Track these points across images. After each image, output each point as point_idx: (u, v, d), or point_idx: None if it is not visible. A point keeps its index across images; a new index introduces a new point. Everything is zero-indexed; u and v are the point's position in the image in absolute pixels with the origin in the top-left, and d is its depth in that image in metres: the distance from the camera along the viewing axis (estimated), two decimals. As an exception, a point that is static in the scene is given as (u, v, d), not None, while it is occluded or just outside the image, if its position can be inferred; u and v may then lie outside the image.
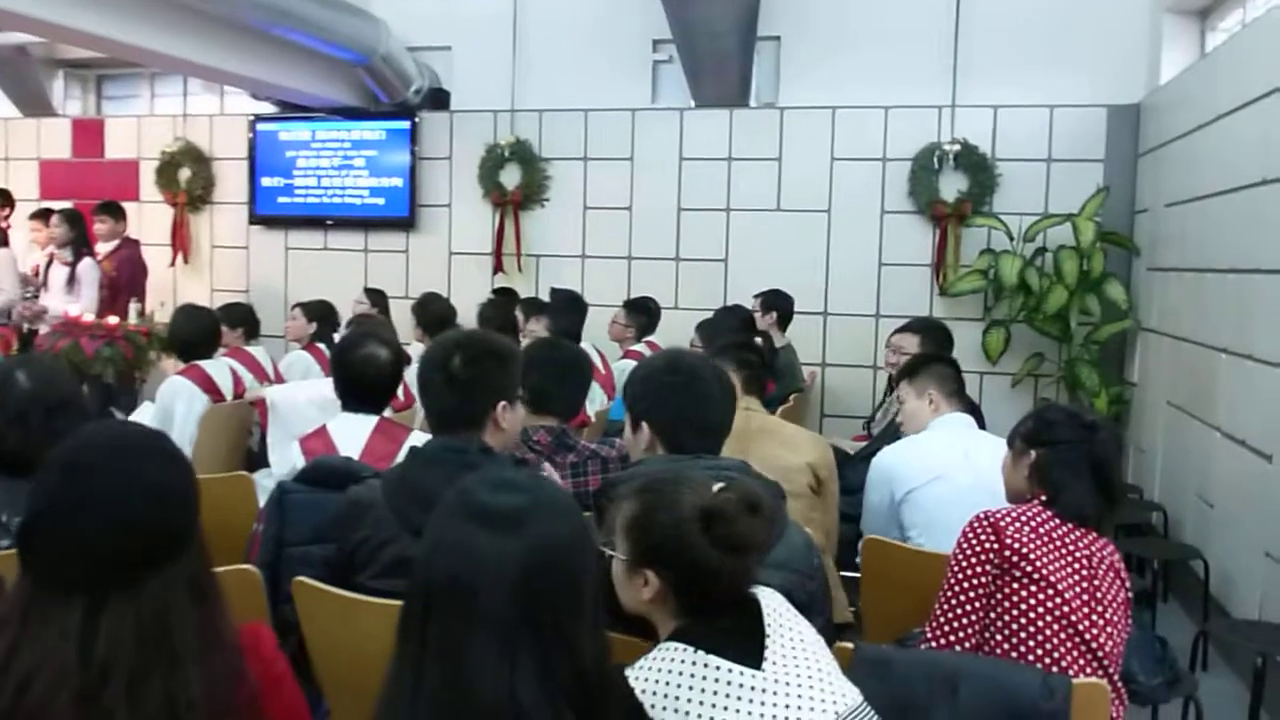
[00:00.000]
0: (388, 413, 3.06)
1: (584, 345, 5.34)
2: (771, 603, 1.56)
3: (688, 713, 1.41)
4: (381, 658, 1.35)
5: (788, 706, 1.43)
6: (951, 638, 2.19)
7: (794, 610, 1.60)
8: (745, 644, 1.49)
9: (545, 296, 6.27)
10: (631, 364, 5.12)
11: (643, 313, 6.11)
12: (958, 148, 6.47)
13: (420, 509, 1.94)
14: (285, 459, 2.92)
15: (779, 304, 6.12)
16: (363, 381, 2.95)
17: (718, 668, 1.44)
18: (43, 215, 6.87)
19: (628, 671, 1.46)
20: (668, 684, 1.43)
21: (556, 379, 2.90)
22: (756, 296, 6.16)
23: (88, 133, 8.38)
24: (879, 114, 6.66)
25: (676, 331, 6.05)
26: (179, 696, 1.30)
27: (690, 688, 1.43)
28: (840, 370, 6.81)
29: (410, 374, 4.34)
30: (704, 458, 2.10)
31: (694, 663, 1.44)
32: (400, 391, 3.54)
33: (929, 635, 2.23)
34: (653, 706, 1.42)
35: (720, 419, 2.21)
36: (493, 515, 1.31)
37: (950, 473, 2.93)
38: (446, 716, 1.25)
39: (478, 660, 1.24)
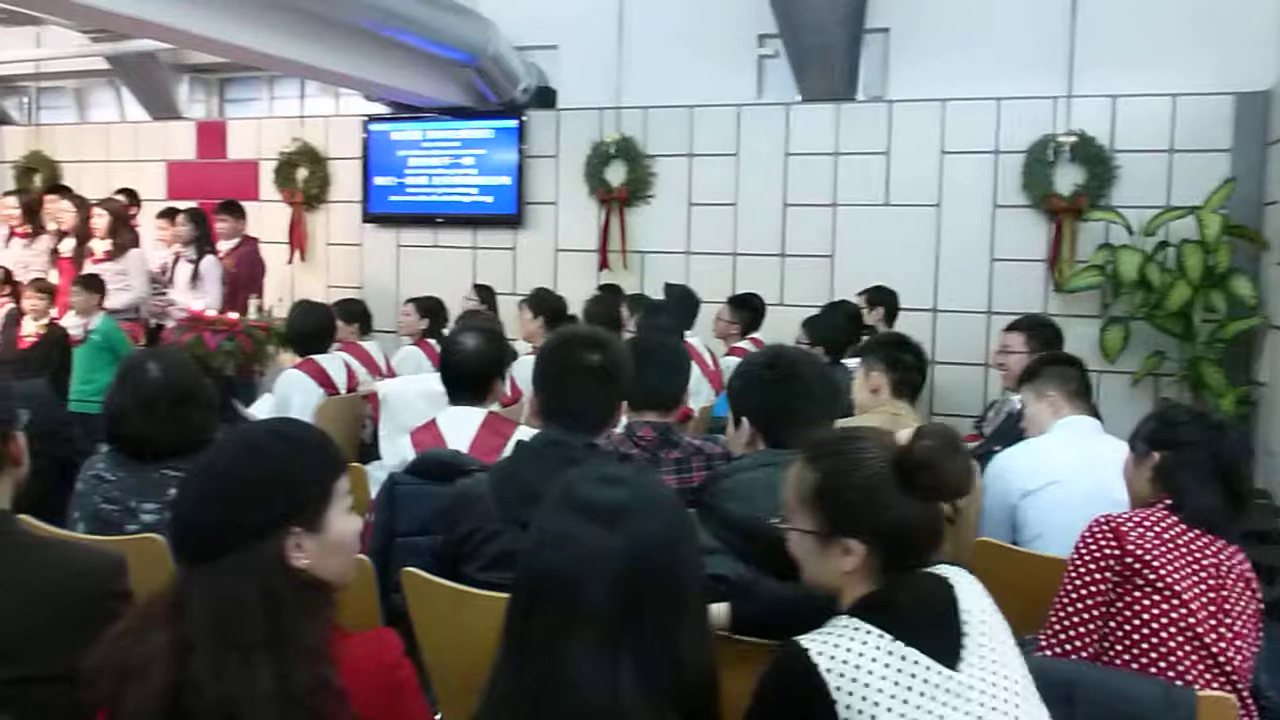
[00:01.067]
0: (495, 407, 3.09)
1: (692, 340, 5.34)
2: (967, 590, 1.48)
3: (876, 702, 1.35)
4: (487, 649, 1.36)
5: (980, 718, 1.37)
6: (1068, 646, 2.11)
7: (989, 600, 1.51)
8: (940, 635, 1.42)
9: (650, 293, 6.27)
10: (736, 360, 5.10)
11: (747, 309, 6.07)
12: (1074, 139, 6.26)
13: (525, 503, 1.96)
14: (396, 451, 2.98)
15: (885, 300, 6.01)
16: (458, 370, 2.99)
17: (915, 662, 1.38)
18: (169, 214, 7.13)
19: (805, 640, 1.41)
20: (857, 666, 1.38)
21: (652, 373, 2.87)
22: (862, 293, 6.06)
23: (211, 135, 8.68)
24: (991, 106, 6.49)
25: (782, 328, 5.99)
26: (248, 688, 1.31)
27: (883, 677, 1.37)
28: (950, 368, 6.66)
29: (517, 369, 4.40)
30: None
31: (890, 652, 1.38)
32: (508, 386, 3.57)
33: (1044, 643, 2.16)
34: (838, 689, 1.36)
35: (821, 414, 2.17)
36: (596, 509, 1.30)
37: (1069, 477, 2.82)
38: (548, 712, 1.25)
39: (579, 656, 1.24)
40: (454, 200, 7.74)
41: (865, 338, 4.98)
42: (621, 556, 1.27)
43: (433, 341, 5.48)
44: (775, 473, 1.90)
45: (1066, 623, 2.12)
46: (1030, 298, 6.40)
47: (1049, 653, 2.13)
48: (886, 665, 1.37)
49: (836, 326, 5.09)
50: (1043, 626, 2.17)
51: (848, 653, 1.39)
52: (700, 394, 5.10)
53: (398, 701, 1.44)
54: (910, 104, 6.67)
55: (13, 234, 7.11)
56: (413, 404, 3.88)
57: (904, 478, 1.46)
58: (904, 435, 1.51)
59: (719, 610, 1.78)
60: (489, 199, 7.65)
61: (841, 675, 1.37)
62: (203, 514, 1.42)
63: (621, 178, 7.29)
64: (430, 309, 5.75)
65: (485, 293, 6.39)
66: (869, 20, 6.43)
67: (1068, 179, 6.30)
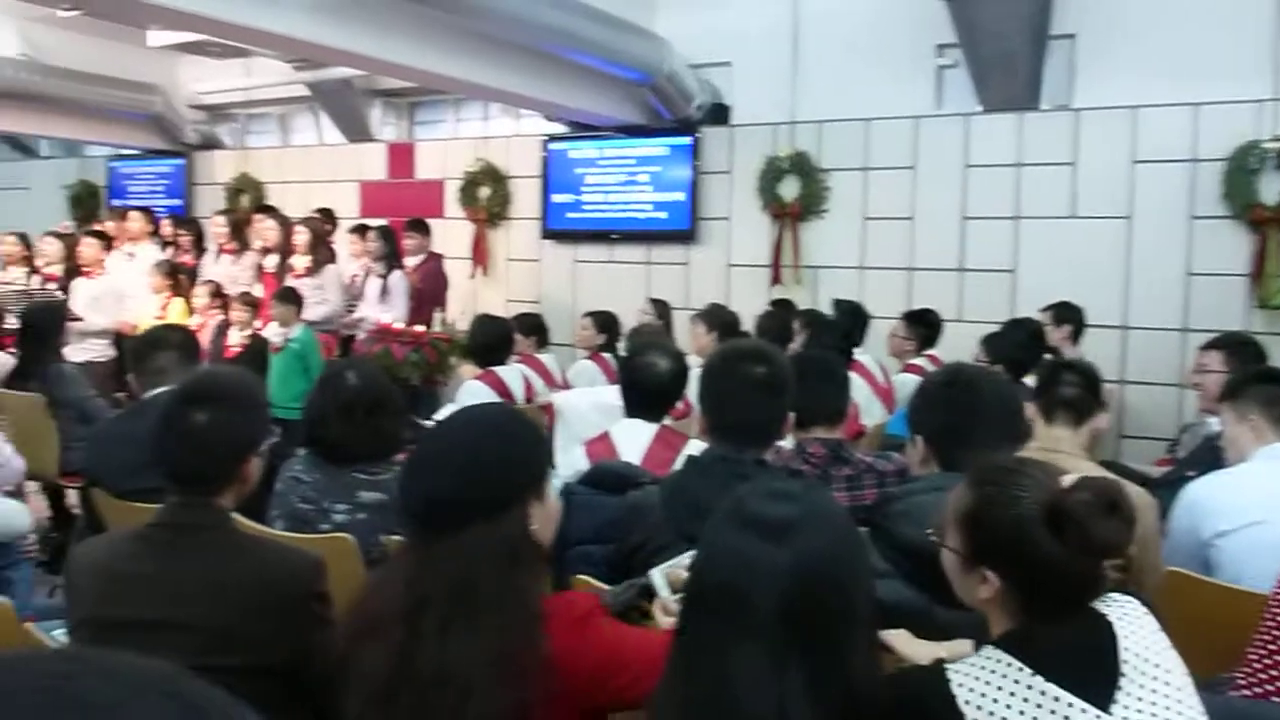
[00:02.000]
0: (668, 421, 3.12)
1: (862, 357, 5.26)
2: (1131, 624, 1.39)
3: None
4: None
5: None
6: (1270, 687, 1.98)
7: (1161, 639, 1.41)
8: (1092, 673, 1.34)
9: (822, 308, 6.21)
10: (911, 378, 4.99)
11: (923, 325, 5.92)
12: (1280, 146, 5.87)
13: (693, 517, 1.97)
14: (570, 461, 3.05)
15: (1071, 317, 5.75)
16: (646, 389, 3.03)
17: (1056, 699, 1.31)
18: (360, 231, 7.50)
19: (949, 668, 1.37)
20: (995, 700, 1.33)
21: (812, 386, 2.84)
22: (1046, 310, 5.82)
23: (400, 156, 9.09)
24: (1187, 112, 6.15)
25: (959, 345, 5.81)
26: (476, 644, 1.48)
27: (1021, 712, 1.31)
28: (1141, 388, 6.33)
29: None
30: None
31: (1029, 686, 1.32)
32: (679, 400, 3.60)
33: (1241, 682, 2.02)
34: None
35: (999, 435, 2.09)
36: (765, 524, 1.31)
37: (1273, 517, 2.52)
38: None
39: (745, 668, 1.24)
40: (629, 216, 7.86)
41: (1048, 356, 4.79)
42: (789, 571, 1.27)
43: (607, 355, 5.56)
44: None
45: (1269, 661, 1.99)
46: (1229, 315, 6.02)
47: (1247, 693, 2.00)
48: (1025, 700, 1.31)
49: (1018, 344, 4.90)
50: (1240, 665, 2.04)
51: (986, 685, 1.34)
52: (871, 411, 5.01)
53: (584, 650, 1.56)
54: (1098, 112, 6.38)
55: (222, 250, 7.62)
56: (587, 416, 3.96)
57: (1052, 525, 1.38)
58: (1068, 480, 1.44)
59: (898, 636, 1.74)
60: (663, 215, 7.73)
61: (979, 708, 1.32)
62: (457, 488, 1.57)
63: (795, 192, 7.25)
64: (605, 323, 5.84)
65: (660, 307, 6.46)
66: (1054, 26, 6.20)
67: (1273, 188, 5.91)
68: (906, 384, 5.05)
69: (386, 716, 1.49)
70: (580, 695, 1.54)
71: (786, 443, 2.70)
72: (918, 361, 5.66)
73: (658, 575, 1.80)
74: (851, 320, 5.54)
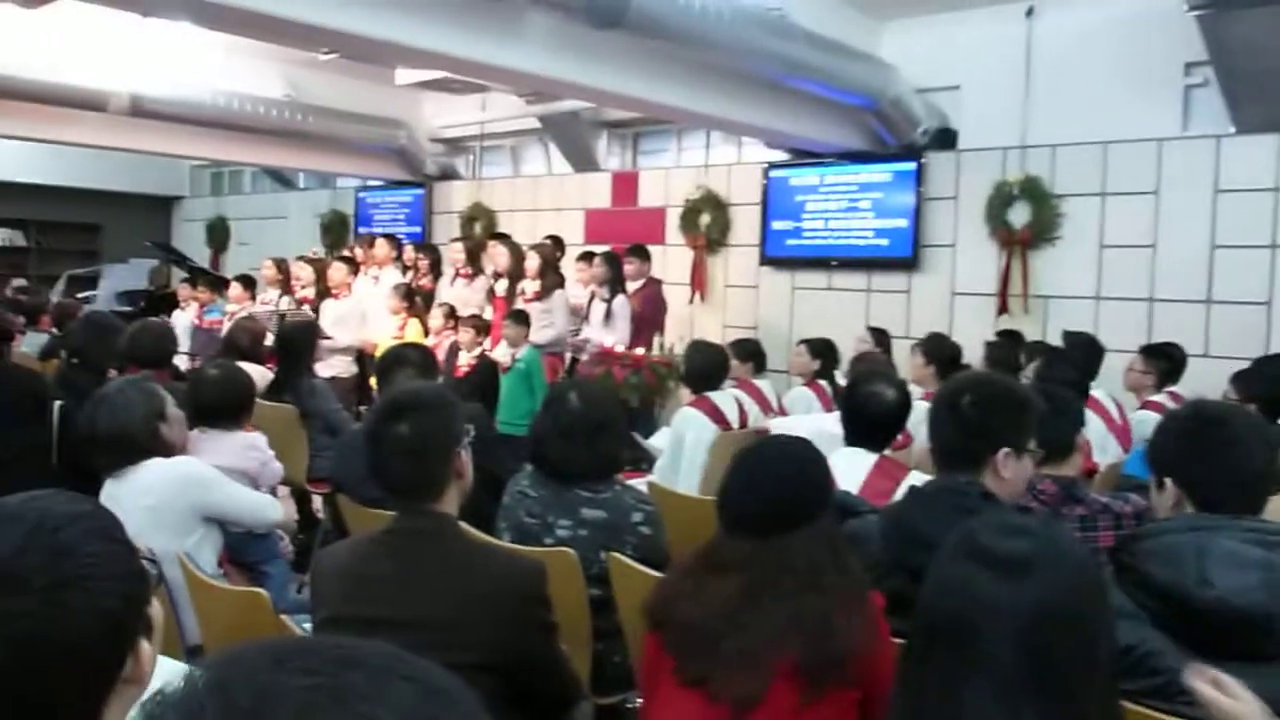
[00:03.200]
0: (887, 451, 3.06)
1: (1096, 392, 4.98)
2: None
3: None
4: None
5: None
6: None
7: None
8: None
9: (1052, 340, 5.93)
10: (1150, 415, 4.68)
11: (1164, 359, 5.54)
12: None
13: (914, 548, 1.93)
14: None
15: (1337, 354, 5.27)
16: (871, 419, 2.99)
17: None
18: (586, 257, 7.72)
19: None
20: None
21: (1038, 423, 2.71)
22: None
23: (624, 184, 9.33)
24: None
25: (1205, 382, 5.41)
26: (833, 599, 1.83)
27: None
28: None
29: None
30: (1244, 519, 1.84)
31: None
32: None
33: None
34: None
35: (1258, 470, 1.93)
36: (1000, 559, 1.26)
37: None
38: None
39: (977, 706, 1.20)
40: (849, 243, 7.76)
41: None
42: (1025, 609, 1.21)
43: (823, 383, 5.50)
44: (1207, 538, 1.73)
45: None
46: None
47: None
48: None
49: (1273, 380, 4.53)
50: None
51: None
52: (1106, 450, 4.74)
53: (882, 649, 1.82)
54: (1373, 131, 5.83)
55: (458, 274, 8.02)
56: (804, 443, 3.91)
57: None
58: None
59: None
60: (884, 242, 7.60)
61: None
62: (790, 499, 1.95)
63: (1025, 219, 6.97)
64: (822, 351, 5.77)
65: (880, 336, 6.33)
66: (1322, 40, 5.72)
67: None
68: (1145, 421, 4.74)
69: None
70: (866, 679, 1.78)
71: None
72: (1157, 398, 5.30)
73: None
74: (1085, 353, 5.26)
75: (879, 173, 7.61)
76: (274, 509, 3.34)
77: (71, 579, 1.00)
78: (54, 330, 7.44)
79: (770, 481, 1.98)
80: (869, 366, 4.52)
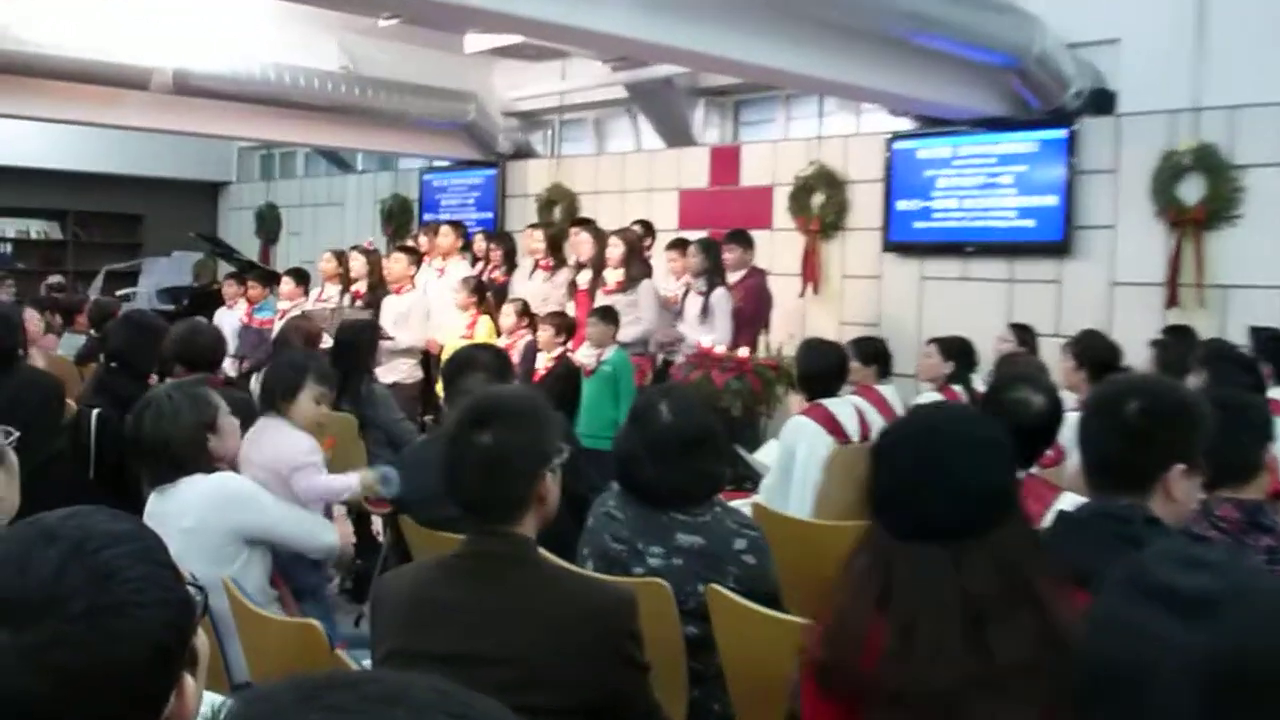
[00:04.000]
0: (1034, 469, 3.01)
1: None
2: None
3: None
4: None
5: None
6: None
7: None
8: None
9: (1232, 337, 5.76)
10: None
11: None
12: None
13: (1070, 581, 1.89)
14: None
15: None
16: (1015, 430, 2.93)
17: None
18: (680, 245, 7.73)
19: None
20: None
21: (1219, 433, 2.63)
22: None
23: (724, 160, 9.32)
24: None
25: None
26: (1050, 631, 1.66)
27: None
28: None
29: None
30: None
31: None
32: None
33: None
34: None
35: None
36: (1180, 598, 1.22)
37: None
38: None
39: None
40: (988, 226, 7.65)
41: None
42: (1206, 658, 1.17)
43: (958, 388, 5.43)
44: None
45: None
46: None
47: None
48: None
49: None
50: None
51: None
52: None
53: None
54: None
55: (536, 266, 8.11)
56: (935, 458, 3.86)
57: None
58: None
59: None
60: (1030, 223, 7.47)
61: None
62: (982, 495, 1.81)
63: (1199, 194, 6.78)
64: (956, 351, 5.70)
65: (1024, 333, 6.23)
66: None
67: None
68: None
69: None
70: None
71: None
72: (1364, 406, 5.12)
73: None
74: (1274, 352, 5.10)
75: (1023, 142, 7.48)
76: (328, 531, 3.42)
77: (114, 604, 1.03)
78: (91, 331, 7.73)
79: (967, 465, 1.82)
80: (1013, 369, 4.44)
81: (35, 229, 14.56)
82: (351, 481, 3.62)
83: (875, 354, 5.54)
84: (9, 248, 14.37)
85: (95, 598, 1.02)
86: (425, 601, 2.08)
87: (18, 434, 1.76)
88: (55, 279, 11.99)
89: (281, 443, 3.65)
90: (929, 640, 1.70)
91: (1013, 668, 1.66)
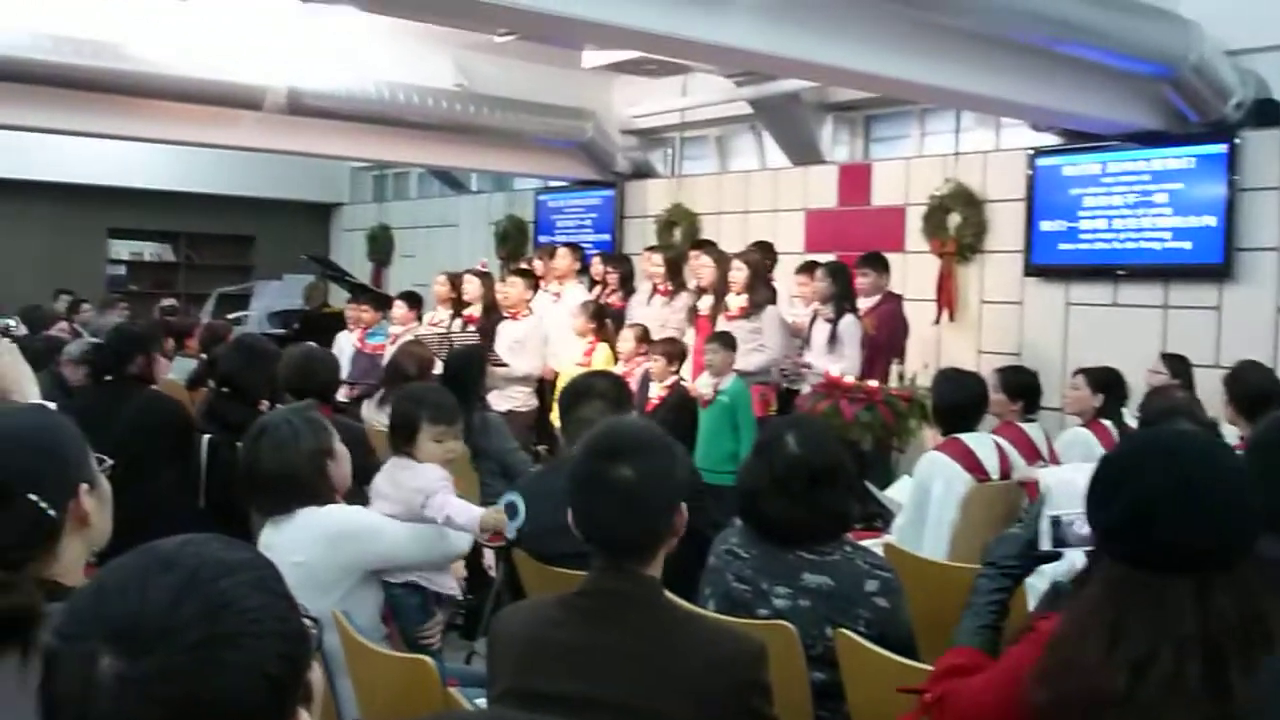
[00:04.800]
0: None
1: None
2: None
3: None
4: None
5: None
6: None
7: None
8: None
9: None
10: None
11: None
12: None
13: None
14: (1066, 557, 2.92)
15: None
16: None
17: None
18: (808, 269, 7.70)
19: None
20: None
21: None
22: None
23: (854, 179, 9.26)
24: None
25: None
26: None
27: None
28: None
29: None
30: None
31: None
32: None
33: None
34: None
35: None
36: None
37: None
38: None
39: None
40: (1140, 248, 7.47)
41: None
42: None
43: (1108, 423, 5.31)
44: None
45: None
46: None
47: None
48: None
49: None
50: None
51: None
52: None
53: None
54: None
55: (655, 291, 8.14)
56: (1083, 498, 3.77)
57: None
58: None
59: None
60: (1186, 245, 7.28)
61: None
62: (1242, 523, 1.75)
63: (1376, 213, 6.54)
64: (1106, 383, 5.58)
65: (1177, 364, 6.06)
66: None
67: None
68: None
69: None
70: None
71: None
72: None
73: None
74: None
75: (1178, 158, 7.31)
76: (458, 538, 3.42)
77: (230, 635, 1.05)
78: (202, 355, 7.98)
79: (1226, 490, 1.75)
80: (1167, 403, 4.32)
81: (149, 251, 15.17)
82: (476, 514, 3.55)
83: (1023, 387, 5.35)
84: (123, 270, 14.97)
85: (210, 628, 1.04)
86: (544, 641, 2.10)
87: (111, 463, 1.82)
88: (168, 302, 12.44)
89: (413, 476, 3.69)
90: (1166, 678, 1.65)
91: (1252, 711, 1.59)
